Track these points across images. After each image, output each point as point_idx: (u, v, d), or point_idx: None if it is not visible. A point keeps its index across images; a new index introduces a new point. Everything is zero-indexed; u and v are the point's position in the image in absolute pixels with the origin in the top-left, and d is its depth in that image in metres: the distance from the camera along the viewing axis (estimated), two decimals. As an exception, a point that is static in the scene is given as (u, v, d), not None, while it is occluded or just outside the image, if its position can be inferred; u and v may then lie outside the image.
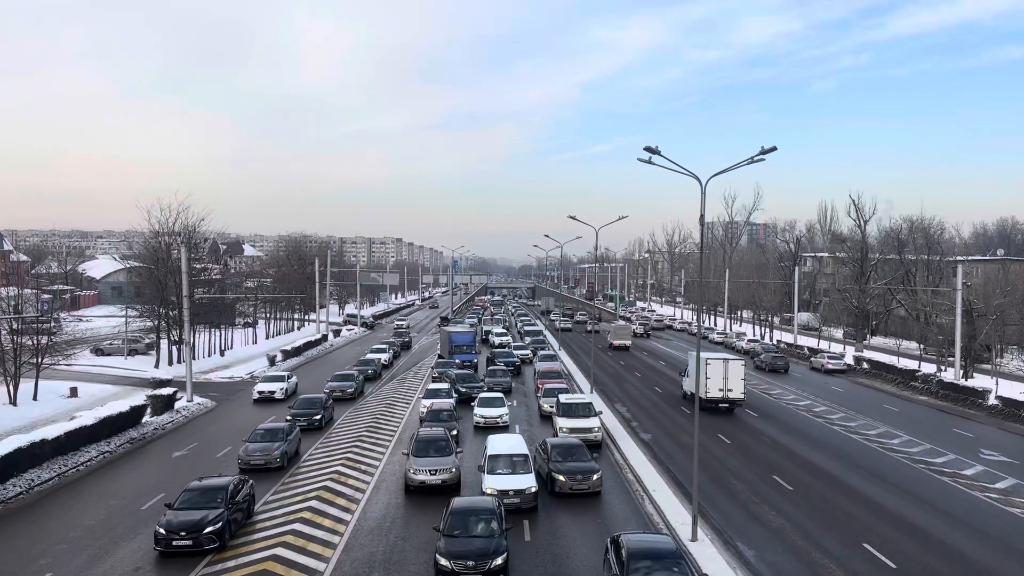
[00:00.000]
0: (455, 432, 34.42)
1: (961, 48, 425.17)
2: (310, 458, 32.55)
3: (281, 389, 47.33)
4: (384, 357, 64.19)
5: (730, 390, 44.31)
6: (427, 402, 40.48)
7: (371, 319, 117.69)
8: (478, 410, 39.21)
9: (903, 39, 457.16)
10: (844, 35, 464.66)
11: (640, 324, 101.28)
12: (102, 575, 20.13)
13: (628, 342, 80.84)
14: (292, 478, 29.26)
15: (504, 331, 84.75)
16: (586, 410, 35.40)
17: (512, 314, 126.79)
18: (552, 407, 38.64)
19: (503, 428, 37.71)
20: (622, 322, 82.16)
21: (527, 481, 25.29)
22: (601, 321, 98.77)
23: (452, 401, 41.58)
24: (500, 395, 41.73)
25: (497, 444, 28.04)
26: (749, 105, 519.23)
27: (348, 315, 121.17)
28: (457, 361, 58.80)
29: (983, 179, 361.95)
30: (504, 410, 39.23)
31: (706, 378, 43.33)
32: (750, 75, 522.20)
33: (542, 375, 50.39)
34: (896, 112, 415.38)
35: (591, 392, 49.80)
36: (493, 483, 25.13)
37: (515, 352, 65.84)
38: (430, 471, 27.08)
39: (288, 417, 37.01)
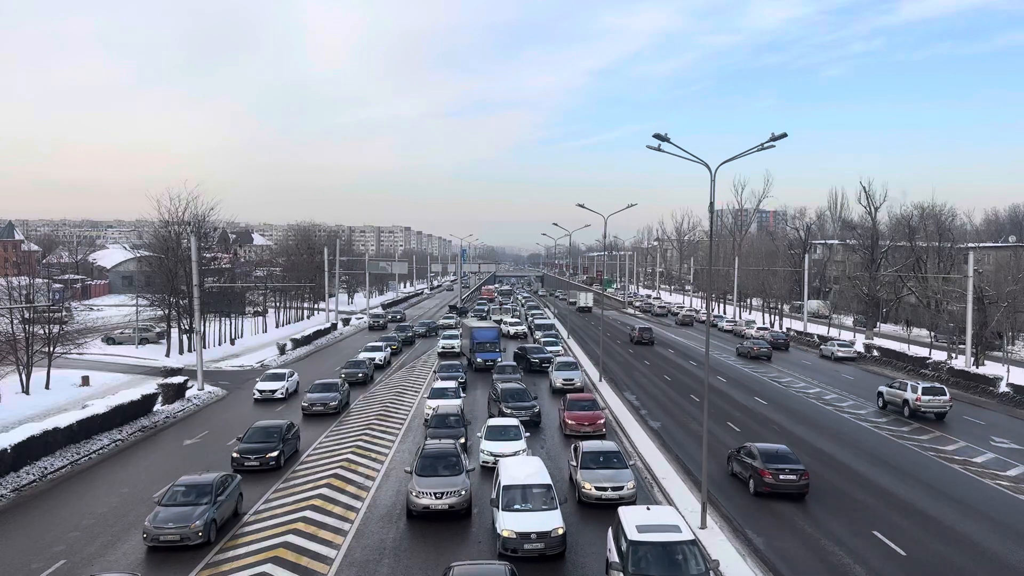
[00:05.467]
0: (463, 440, 30.66)
1: (975, 32, 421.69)
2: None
3: (283, 389, 44.10)
4: (379, 356, 56.97)
5: (587, 303, 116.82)
6: (433, 403, 36.52)
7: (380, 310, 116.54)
8: (486, 444, 29.87)
9: (916, 23, 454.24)
10: (856, 20, 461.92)
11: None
12: (114, 562, 20.29)
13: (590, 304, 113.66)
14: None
15: (518, 320, 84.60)
16: (687, 561, 17.43)
17: (522, 304, 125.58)
18: (596, 490, 24.74)
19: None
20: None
21: (552, 520, 20.64)
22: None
23: (459, 402, 36.99)
24: (516, 423, 31.79)
25: (512, 471, 23.01)
26: (760, 91, 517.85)
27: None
28: (479, 360, 53.79)
29: (995, 165, 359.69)
30: (521, 444, 29.88)
31: (581, 299, 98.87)
32: (761, 61, 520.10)
33: (570, 405, 36.19)
34: (908, 98, 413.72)
35: (600, 380, 49.74)
36: (511, 524, 20.42)
37: (548, 348, 59.27)
38: (435, 494, 23.12)
39: (234, 454, 29.04)
